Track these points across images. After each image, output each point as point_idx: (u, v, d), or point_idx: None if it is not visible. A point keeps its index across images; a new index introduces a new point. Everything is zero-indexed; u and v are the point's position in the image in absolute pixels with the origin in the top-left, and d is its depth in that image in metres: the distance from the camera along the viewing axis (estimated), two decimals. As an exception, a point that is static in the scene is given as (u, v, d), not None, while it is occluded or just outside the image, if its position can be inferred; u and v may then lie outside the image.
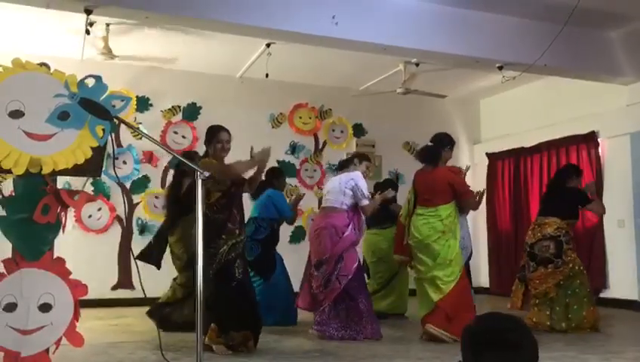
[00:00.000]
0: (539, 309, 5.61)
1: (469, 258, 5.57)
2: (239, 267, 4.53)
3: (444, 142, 5.26)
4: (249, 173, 4.83)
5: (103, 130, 2.60)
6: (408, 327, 5.75)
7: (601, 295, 7.65)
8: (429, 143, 5.34)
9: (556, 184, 6.00)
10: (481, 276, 9.25)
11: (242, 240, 4.64)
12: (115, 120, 2.67)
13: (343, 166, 5.72)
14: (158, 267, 5.49)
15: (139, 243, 6.44)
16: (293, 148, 8.86)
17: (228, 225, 4.50)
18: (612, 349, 4.75)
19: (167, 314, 5.28)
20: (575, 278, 5.56)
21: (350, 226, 5.21)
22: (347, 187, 5.26)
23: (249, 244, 5.67)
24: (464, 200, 5.15)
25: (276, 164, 8.34)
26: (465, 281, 5.08)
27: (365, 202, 5.26)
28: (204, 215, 4.10)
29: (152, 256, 5.55)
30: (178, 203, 5.48)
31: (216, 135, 4.68)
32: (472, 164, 9.68)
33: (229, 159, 4.88)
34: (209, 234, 4.00)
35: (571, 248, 5.61)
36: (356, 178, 5.29)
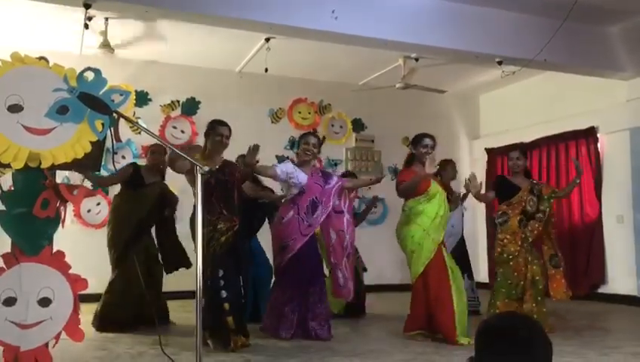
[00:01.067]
0: None
1: (460, 245, 5.61)
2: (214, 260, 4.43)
3: (412, 143, 5.21)
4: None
5: (102, 124, 2.59)
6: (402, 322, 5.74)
7: (600, 290, 7.68)
8: None
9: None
10: (481, 271, 9.26)
11: (222, 231, 4.51)
12: (114, 114, 2.67)
13: None
14: (189, 266, 5.45)
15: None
16: (293, 144, 8.84)
17: (206, 217, 4.34)
18: (610, 344, 4.76)
19: (110, 316, 5.25)
20: (499, 266, 5.40)
21: (291, 212, 4.99)
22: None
23: None
24: (399, 188, 5.08)
25: (275, 159, 8.35)
26: (425, 277, 4.90)
27: None
28: None
29: (175, 260, 5.57)
30: None
31: (215, 128, 4.68)
32: (470, 160, 9.77)
33: (228, 155, 4.89)
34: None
35: (504, 230, 5.37)
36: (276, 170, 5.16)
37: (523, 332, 1.43)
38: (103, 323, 5.24)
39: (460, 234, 6.51)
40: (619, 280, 7.49)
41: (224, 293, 4.41)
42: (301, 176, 5.04)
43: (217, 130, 4.67)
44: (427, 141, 5.09)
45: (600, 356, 4.28)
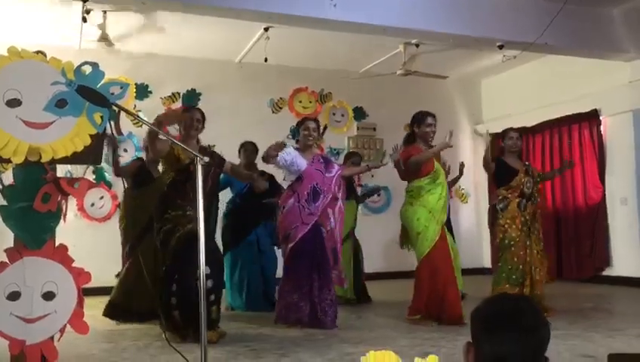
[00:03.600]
0: None
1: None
2: (172, 249, 4.34)
3: (413, 122, 5.24)
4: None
5: (101, 117, 2.58)
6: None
7: (605, 273, 7.68)
8: None
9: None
10: (484, 257, 9.28)
11: (190, 218, 4.30)
12: (113, 107, 2.66)
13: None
14: None
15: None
16: (294, 133, 8.81)
17: (177, 201, 4.40)
18: (616, 326, 4.76)
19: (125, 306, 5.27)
20: (502, 252, 5.37)
21: (291, 200, 4.97)
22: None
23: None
24: (408, 163, 5.03)
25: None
26: (430, 258, 4.92)
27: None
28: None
29: None
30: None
31: (188, 112, 4.76)
32: (473, 145, 9.74)
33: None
34: (158, 210, 4.36)
35: (505, 215, 5.32)
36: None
37: (526, 319, 1.42)
38: (115, 311, 5.28)
39: None
40: (623, 262, 7.48)
41: (174, 286, 4.29)
42: (300, 162, 5.01)
43: (190, 114, 4.68)
44: (430, 120, 5.13)
45: (605, 338, 4.28)
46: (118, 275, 7.70)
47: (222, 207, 5.77)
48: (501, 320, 1.42)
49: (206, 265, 3.11)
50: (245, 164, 6.08)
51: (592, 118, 7.82)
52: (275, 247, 6.02)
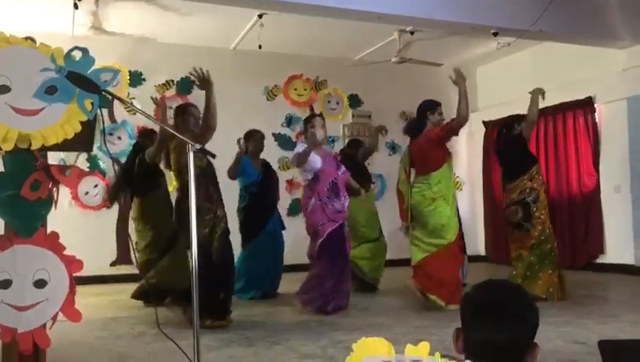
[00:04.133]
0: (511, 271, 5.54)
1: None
2: (216, 250, 4.45)
3: (426, 109, 5.26)
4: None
5: (92, 103, 2.55)
6: (403, 297, 5.77)
7: (598, 260, 7.71)
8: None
9: (502, 143, 5.85)
10: (478, 244, 9.31)
11: (221, 218, 4.53)
12: (104, 93, 2.63)
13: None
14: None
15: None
16: (289, 121, 8.81)
17: (205, 205, 4.40)
18: (609, 313, 4.79)
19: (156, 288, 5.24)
20: (546, 242, 5.37)
21: (312, 200, 5.10)
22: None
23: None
24: (455, 123, 5.03)
25: (271, 137, 8.33)
26: (454, 248, 5.14)
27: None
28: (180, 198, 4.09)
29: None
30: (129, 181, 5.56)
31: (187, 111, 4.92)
32: (468, 132, 9.72)
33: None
34: (186, 217, 3.98)
35: (539, 207, 5.37)
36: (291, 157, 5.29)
37: (516, 306, 1.43)
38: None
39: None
40: (617, 250, 7.51)
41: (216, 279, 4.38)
42: (316, 161, 5.11)
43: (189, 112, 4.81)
44: (441, 108, 5.24)
45: (598, 325, 4.30)
46: (112, 264, 7.74)
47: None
48: (490, 306, 1.42)
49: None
50: (253, 151, 6.15)
51: (586, 105, 7.81)
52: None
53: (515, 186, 5.46)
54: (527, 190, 5.40)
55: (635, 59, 7.26)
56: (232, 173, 5.91)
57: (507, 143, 5.74)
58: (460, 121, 4.95)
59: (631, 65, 7.30)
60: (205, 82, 4.27)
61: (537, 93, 5.62)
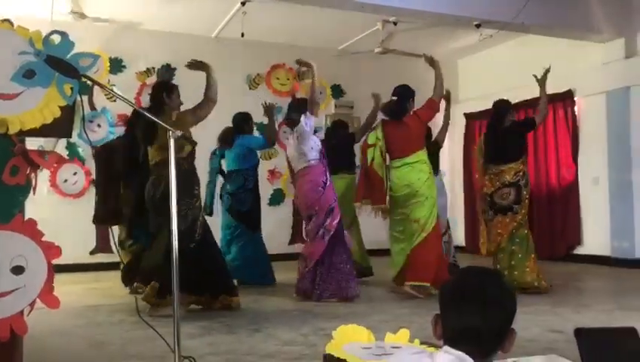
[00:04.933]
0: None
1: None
2: (200, 227, 4.54)
3: (408, 95, 5.43)
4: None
5: (72, 88, 2.52)
6: (382, 285, 5.80)
7: (576, 251, 7.83)
8: (393, 97, 5.47)
9: (497, 127, 5.76)
10: (458, 235, 9.37)
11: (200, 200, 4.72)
12: (83, 78, 2.59)
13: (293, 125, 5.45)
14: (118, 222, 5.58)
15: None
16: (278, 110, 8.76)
17: (195, 190, 4.57)
18: (583, 302, 4.88)
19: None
20: (523, 227, 5.42)
21: (326, 176, 5.20)
22: (303, 144, 5.23)
23: (242, 196, 5.91)
24: (432, 103, 5.51)
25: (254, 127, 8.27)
26: (437, 231, 5.30)
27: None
28: (178, 168, 4.09)
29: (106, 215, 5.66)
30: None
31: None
32: (451, 124, 9.76)
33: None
34: (182, 190, 3.92)
35: (528, 191, 5.50)
36: (300, 130, 5.24)
37: (494, 292, 1.44)
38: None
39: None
40: (594, 241, 7.63)
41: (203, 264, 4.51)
42: (317, 140, 5.38)
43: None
44: None
45: (573, 314, 4.38)
46: (92, 252, 7.66)
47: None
48: (466, 292, 1.43)
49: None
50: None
51: (566, 98, 7.89)
52: None
53: (510, 169, 5.45)
54: (522, 173, 5.47)
55: (614, 53, 7.34)
56: (276, 137, 6.19)
57: (506, 129, 5.64)
58: (440, 96, 5.50)
59: (610, 59, 7.39)
60: (201, 63, 4.72)
61: (545, 80, 5.88)
